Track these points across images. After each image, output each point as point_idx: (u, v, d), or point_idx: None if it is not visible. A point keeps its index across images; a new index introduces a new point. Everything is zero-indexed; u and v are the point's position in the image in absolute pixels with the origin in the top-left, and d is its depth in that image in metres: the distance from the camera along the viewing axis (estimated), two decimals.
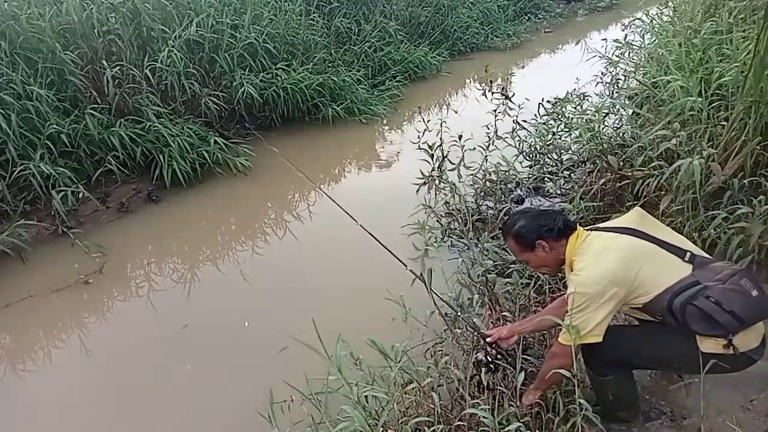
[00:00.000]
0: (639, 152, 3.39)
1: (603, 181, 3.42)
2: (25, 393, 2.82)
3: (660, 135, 3.13)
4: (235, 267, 3.71)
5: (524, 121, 5.20)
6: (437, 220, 3.81)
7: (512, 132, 4.94)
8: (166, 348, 3.05)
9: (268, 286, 3.50)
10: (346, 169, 5.18)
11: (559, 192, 4.01)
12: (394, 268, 2.26)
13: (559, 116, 4.99)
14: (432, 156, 4.48)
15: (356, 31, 6.83)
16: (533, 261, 2.00)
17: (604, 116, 4.32)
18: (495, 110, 5.24)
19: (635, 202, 3.09)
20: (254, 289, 3.48)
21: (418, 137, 5.10)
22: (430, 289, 2.20)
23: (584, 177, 3.82)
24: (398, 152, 5.34)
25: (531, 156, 4.55)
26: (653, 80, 3.98)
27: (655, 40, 4.88)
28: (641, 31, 5.75)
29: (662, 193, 3.05)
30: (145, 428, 2.57)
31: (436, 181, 4.38)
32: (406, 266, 2.20)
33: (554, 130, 4.73)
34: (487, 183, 4.07)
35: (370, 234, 2.31)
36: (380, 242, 2.28)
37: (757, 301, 1.70)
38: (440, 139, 4.60)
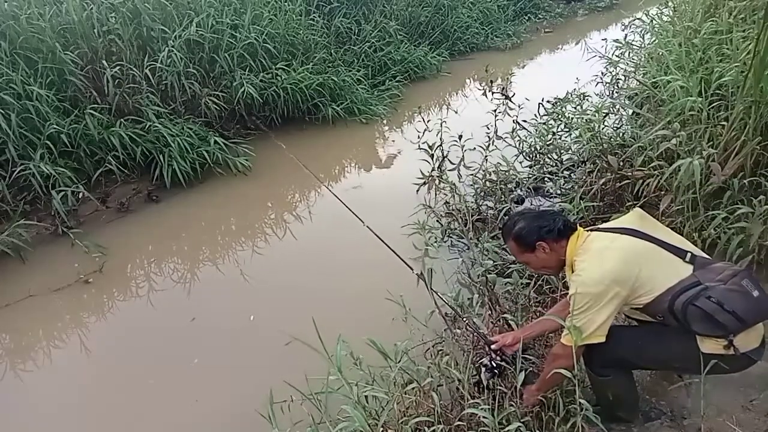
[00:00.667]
0: (639, 152, 3.39)
1: (603, 181, 3.42)
2: (26, 393, 2.82)
3: (660, 135, 3.13)
4: (235, 267, 3.71)
5: (524, 121, 5.20)
6: (437, 220, 3.81)
7: (512, 132, 4.95)
8: (166, 348, 3.05)
9: (268, 286, 3.50)
10: (346, 169, 5.17)
11: (559, 192, 4.01)
12: (394, 268, 2.27)
13: (559, 116, 4.99)
14: (432, 156, 4.49)
15: (356, 31, 6.82)
16: (534, 262, 2.00)
17: (604, 116, 4.32)
18: (495, 110, 5.25)
19: (635, 202, 3.09)
20: (254, 289, 3.48)
21: (418, 137, 5.11)
22: (431, 289, 2.20)
23: (584, 177, 3.82)
24: (398, 152, 5.34)
25: (531, 156, 4.55)
26: (653, 80, 3.98)
27: (655, 40, 4.88)
28: (641, 31, 5.76)
29: (662, 193, 3.05)
30: (145, 428, 2.57)
31: (436, 181, 4.38)
32: (412, 269, 2.21)
33: (554, 130, 4.73)
34: (487, 183, 4.07)
35: (376, 236, 2.32)
36: (387, 244, 2.29)
37: (757, 301, 1.71)
38: (440, 139, 4.60)
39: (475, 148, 4.51)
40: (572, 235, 1.92)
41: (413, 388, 2.03)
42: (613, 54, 5.73)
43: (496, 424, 1.77)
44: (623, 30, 6.87)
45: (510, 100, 5.93)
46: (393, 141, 5.66)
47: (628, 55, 5.55)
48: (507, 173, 4.13)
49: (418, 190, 4.40)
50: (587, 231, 1.94)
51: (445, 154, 4.64)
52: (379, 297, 2.59)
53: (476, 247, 3.19)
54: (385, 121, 6.00)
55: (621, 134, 4.06)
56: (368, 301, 2.98)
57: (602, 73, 5.97)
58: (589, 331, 1.76)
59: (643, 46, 5.46)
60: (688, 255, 1.82)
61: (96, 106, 4.49)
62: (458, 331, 2.47)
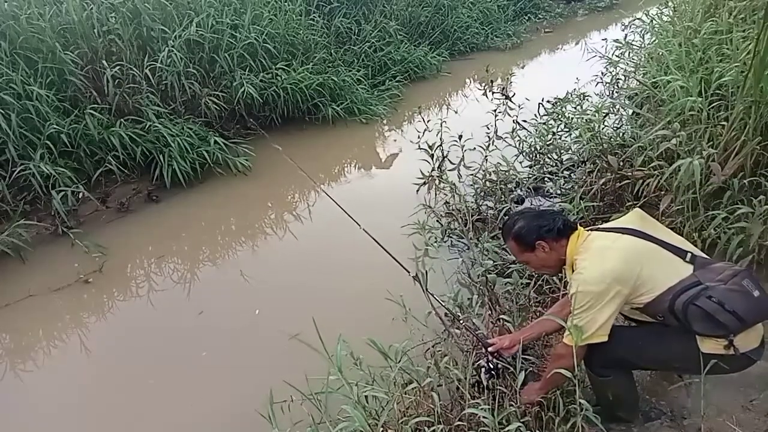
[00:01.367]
0: (639, 152, 3.39)
1: (603, 181, 3.42)
2: (26, 393, 2.82)
3: (660, 135, 3.13)
4: (235, 267, 3.71)
5: (524, 121, 5.20)
6: (437, 220, 3.81)
7: (512, 132, 4.95)
8: (166, 348, 3.05)
9: (268, 286, 3.50)
10: (346, 169, 5.18)
11: (559, 192, 4.01)
12: (394, 268, 2.27)
13: (559, 116, 4.99)
14: (432, 156, 4.49)
15: (356, 31, 6.82)
16: (533, 261, 2.00)
17: (604, 116, 4.32)
18: (495, 110, 5.25)
19: (635, 202, 3.09)
20: (254, 289, 3.48)
21: (418, 137, 5.12)
22: (426, 291, 2.20)
23: (584, 177, 3.82)
24: (398, 152, 5.34)
25: (531, 156, 4.55)
26: (653, 80, 3.98)
27: (655, 40, 4.88)
28: (641, 31, 5.76)
29: (662, 193, 3.05)
30: (145, 428, 2.57)
31: (436, 181, 4.38)
32: (408, 271, 2.20)
33: (554, 130, 4.73)
34: (487, 183, 4.07)
35: (372, 238, 2.31)
36: (382, 246, 2.29)
37: (758, 301, 1.71)
38: (440, 139, 4.60)
39: (475, 148, 4.51)
40: (572, 235, 1.92)
41: (413, 388, 2.03)
42: (613, 54, 5.73)
43: (496, 424, 1.77)
44: (623, 30, 6.88)
45: (510, 100, 5.94)
46: (393, 141, 5.66)
47: (628, 55, 5.56)
48: (507, 173, 4.13)
49: (418, 190, 4.40)
50: (587, 231, 1.94)
51: (445, 154, 4.64)
52: (379, 297, 2.59)
53: (476, 247, 3.19)
54: (385, 121, 6.00)
55: (621, 134, 4.06)
56: (368, 301, 2.98)
57: (602, 73, 5.98)
58: (591, 330, 1.76)
59: (643, 46, 5.47)
60: (689, 255, 1.82)
61: (96, 106, 4.48)
62: (457, 331, 2.47)
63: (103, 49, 4.75)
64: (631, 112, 4.52)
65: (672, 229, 2.05)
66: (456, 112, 6.23)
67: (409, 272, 2.20)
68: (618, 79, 5.62)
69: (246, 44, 5.32)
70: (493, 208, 3.77)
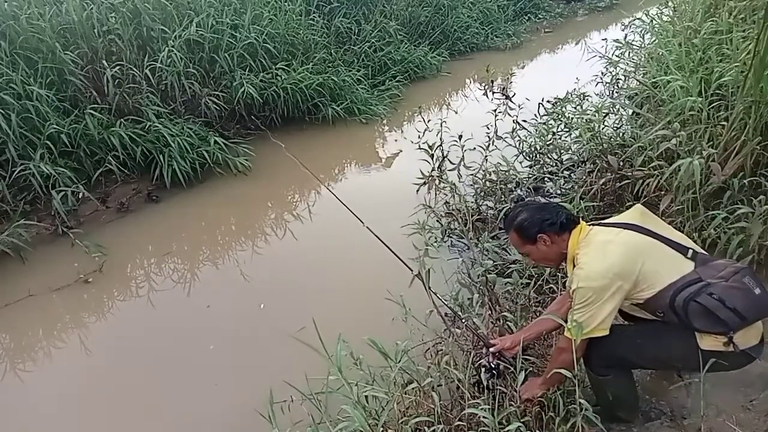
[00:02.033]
0: (639, 152, 3.39)
1: (603, 181, 3.42)
2: (26, 393, 2.81)
3: (660, 135, 3.13)
4: (235, 267, 3.71)
5: (524, 121, 5.20)
6: (437, 220, 3.81)
7: (512, 132, 4.95)
8: (165, 347, 3.05)
9: (268, 286, 3.50)
10: (346, 169, 5.18)
11: (559, 192, 4.01)
12: (394, 267, 2.26)
13: (559, 116, 4.99)
14: (432, 156, 4.49)
15: (356, 31, 6.82)
16: (534, 254, 1.99)
17: (604, 116, 4.32)
18: (495, 110, 5.25)
19: (635, 202, 3.08)
20: (254, 289, 3.48)
21: (418, 137, 5.11)
22: (429, 289, 2.20)
23: (584, 177, 3.82)
24: (398, 152, 5.34)
25: (531, 156, 4.55)
26: (653, 80, 3.98)
27: (655, 40, 4.88)
28: (641, 31, 5.76)
29: (662, 193, 3.05)
30: (145, 428, 2.57)
31: (436, 181, 4.38)
32: (411, 269, 2.20)
33: (554, 130, 4.73)
34: (487, 183, 4.07)
35: (377, 237, 2.31)
36: (385, 244, 2.28)
37: (759, 299, 1.71)
38: (440, 139, 4.60)
39: (475, 148, 4.51)
40: (575, 229, 1.91)
41: (413, 388, 2.03)
42: (613, 54, 5.73)
43: (496, 424, 1.77)
44: (623, 30, 6.88)
45: (510, 100, 5.94)
46: (393, 141, 5.66)
47: (628, 55, 5.55)
48: (507, 173, 4.13)
49: (418, 190, 4.40)
50: (589, 225, 1.93)
51: (445, 154, 4.64)
52: (379, 297, 2.59)
53: (476, 247, 3.19)
54: (385, 121, 6.00)
55: (621, 134, 4.06)
56: (368, 301, 2.98)
57: (602, 73, 5.98)
58: (593, 325, 1.76)
59: (643, 46, 5.46)
60: (690, 251, 1.81)
61: (96, 106, 4.49)
62: (458, 331, 2.47)
63: (103, 49, 4.75)
64: (631, 112, 4.52)
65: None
66: (456, 112, 6.23)
67: (411, 270, 2.19)
68: (618, 79, 5.62)
69: (246, 44, 5.32)
70: (493, 208, 3.77)
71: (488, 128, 5.12)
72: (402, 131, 5.84)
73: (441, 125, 4.68)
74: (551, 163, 4.36)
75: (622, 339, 1.89)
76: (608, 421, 2.00)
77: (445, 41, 8.01)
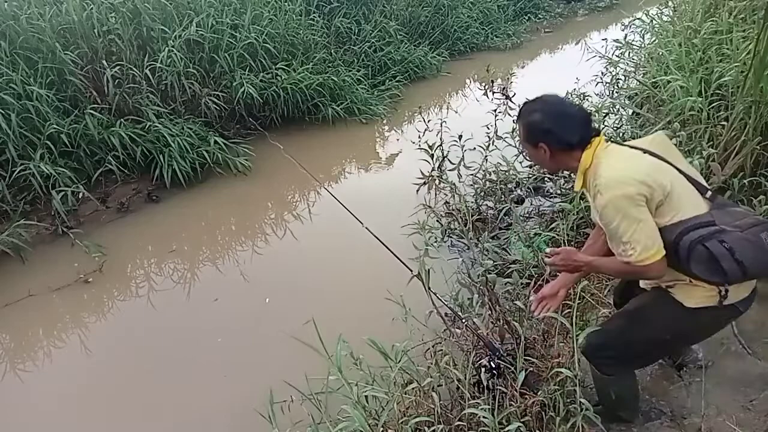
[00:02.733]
0: None
1: None
2: (26, 393, 2.82)
3: None
4: (235, 267, 3.71)
5: None
6: (437, 220, 3.81)
7: (512, 132, 4.93)
8: (165, 347, 3.05)
9: (268, 286, 3.49)
10: (345, 169, 5.18)
11: (559, 192, 4.00)
12: (394, 267, 2.26)
13: None
14: (432, 156, 4.48)
15: (356, 31, 6.83)
16: (531, 155, 1.89)
17: (604, 116, 4.32)
18: (495, 110, 5.24)
19: None
20: (254, 289, 3.48)
21: (418, 137, 5.11)
22: (429, 289, 2.20)
23: None
24: (398, 152, 5.34)
25: None
26: (653, 80, 3.98)
27: (655, 40, 4.88)
28: (641, 31, 5.75)
29: None
30: (145, 428, 2.57)
31: (436, 181, 4.38)
32: (410, 270, 2.20)
33: None
34: (487, 183, 4.06)
35: (376, 237, 2.31)
36: (384, 244, 2.28)
37: None
38: (440, 139, 4.60)
39: (475, 148, 4.50)
40: (588, 147, 1.73)
41: (413, 388, 2.03)
42: (613, 54, 5.72)
43: (496, 424, 1.77)
44: (623, 30, 6.85)
45: (510, 100, 5.93)
46: (393, 141, 5.66)
47: (628, 55, 5.55)
48: (507, 173, 4.13)
49: (418, 190, 4.40)
50: (606, 142, 1.76)
51: (445, 154, 4.63)
52: (379, 297, 2.58)
53: (476, 247, 3.19)
54: (385, 121, 6.01)
55: (621, 134, 4.06)
56: (368, 301, 2.98)
57: (602, 73, 5.96)
58: (643, 243, 1.58)
59: (643, 46, 5.46)
60: (708, 192, 1.70)
61: (96, 106, 4.49)
62: (458, 331, 2.47)
63: (103, 49, 4.75)
64: (631, 112, 4.52)
65: None
66: (456, 112, 6.23)
67: (411, 270, 2.19)
68: (618, 79, 5.61)
69: (246, 44, 5.32)
70: (493, 208, 3.77)
71: (488, 128, 5.11)
72: (402, 131, 5.84)
73: (441, 125, 4.68)
74: None
75: (611, 337, 1.85)
76: (609, 421, 2.00)
77: (445, 41, 8.02)
